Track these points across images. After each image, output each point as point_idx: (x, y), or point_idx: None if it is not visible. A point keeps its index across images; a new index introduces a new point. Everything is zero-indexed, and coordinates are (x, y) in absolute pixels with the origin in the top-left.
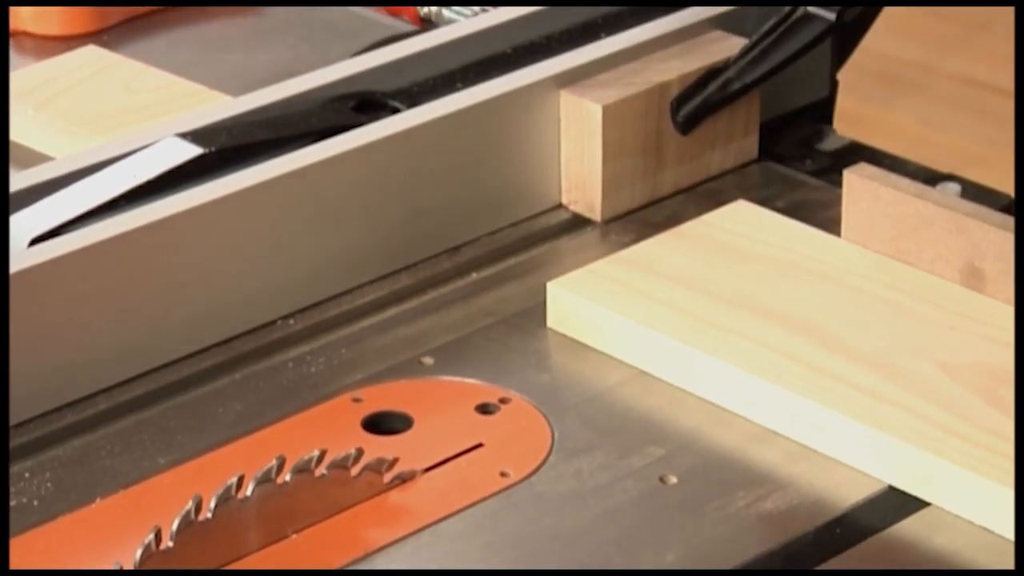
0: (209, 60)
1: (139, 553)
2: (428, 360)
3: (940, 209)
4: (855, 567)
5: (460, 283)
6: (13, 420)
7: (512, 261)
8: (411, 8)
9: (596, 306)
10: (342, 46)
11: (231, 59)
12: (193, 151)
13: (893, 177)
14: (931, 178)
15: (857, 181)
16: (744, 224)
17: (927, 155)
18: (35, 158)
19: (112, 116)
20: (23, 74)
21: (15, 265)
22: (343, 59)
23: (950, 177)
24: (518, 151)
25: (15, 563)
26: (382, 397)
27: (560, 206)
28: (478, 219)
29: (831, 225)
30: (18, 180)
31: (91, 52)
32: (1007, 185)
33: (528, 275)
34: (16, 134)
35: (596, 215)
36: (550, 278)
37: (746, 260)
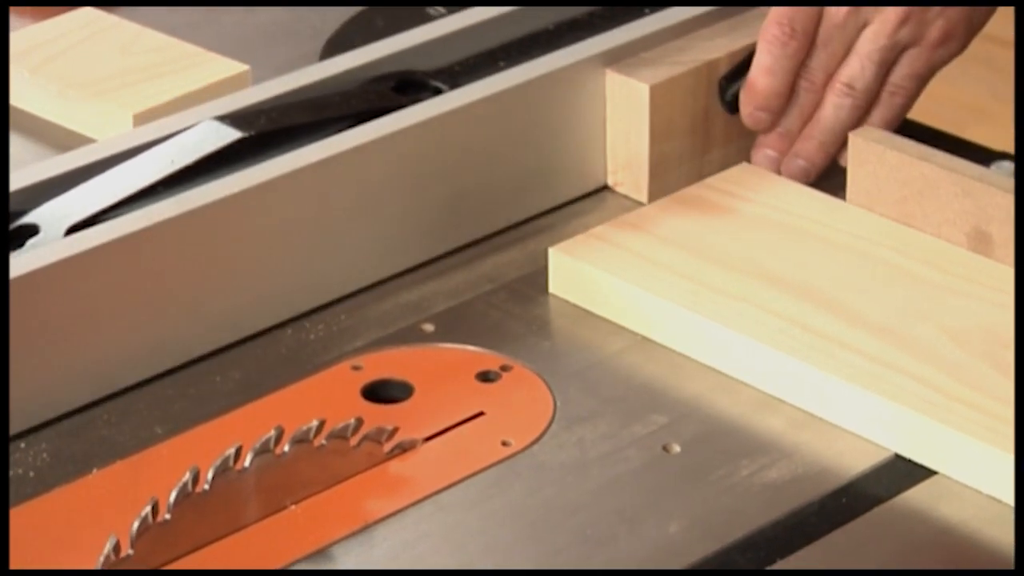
0: (207, 21)
1: (136, 525)
2: (428, 327)
3: (946, 172)
4: (861, 536)
5: (461, 248)
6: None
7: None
8: None
9: (598, 271)
10: (342, 8)
11: (229, 20)
12: (232, 135)
13: (898, 140)
14: (987, 157)
15: (863, 144)
16: (747, 187)
17: (933, 109)
18: (30, 121)
19: (109, 79)
20: (18, 37)
21: (53, 255)
22: (343, 19)
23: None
24: (563, 131)
25: (11, 535)
26: (382, 365)
27: (606, 187)
28: (523, 201)
29: (836, 189)
30: (54, 165)
31: (87, 14)
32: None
33: (529, 240)
34: (11, 97)
35: (643, 196)
36: (551, 243)
37: (750, 224)
